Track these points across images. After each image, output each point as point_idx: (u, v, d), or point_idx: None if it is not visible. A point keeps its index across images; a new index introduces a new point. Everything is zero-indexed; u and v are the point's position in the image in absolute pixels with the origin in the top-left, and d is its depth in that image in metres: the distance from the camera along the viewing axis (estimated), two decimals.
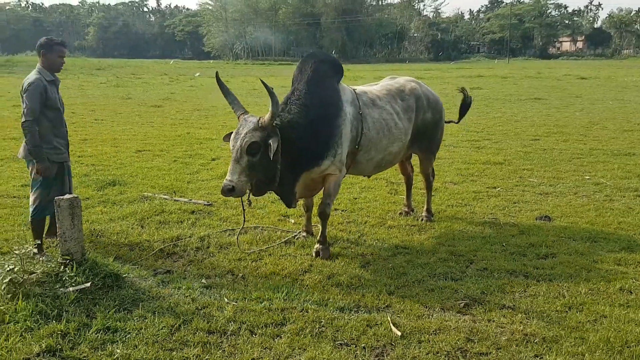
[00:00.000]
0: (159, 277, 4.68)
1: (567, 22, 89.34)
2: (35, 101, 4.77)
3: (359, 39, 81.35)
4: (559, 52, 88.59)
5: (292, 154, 4.75)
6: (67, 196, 4.18)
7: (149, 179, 8.21)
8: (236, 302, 4.22)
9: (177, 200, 7.00)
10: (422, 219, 6.23)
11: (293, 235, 5.77)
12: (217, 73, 4.99)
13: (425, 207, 6.38)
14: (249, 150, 4.53)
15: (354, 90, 5.38)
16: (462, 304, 4.18)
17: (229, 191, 4.50)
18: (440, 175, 8.39)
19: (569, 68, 42.67)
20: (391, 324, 3.88)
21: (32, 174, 4.98)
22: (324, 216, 5.18)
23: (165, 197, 7.16)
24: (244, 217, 5.47)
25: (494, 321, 3.97)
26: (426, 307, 4.15)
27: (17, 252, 4.06)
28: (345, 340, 3.72)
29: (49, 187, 4.99)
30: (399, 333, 3.76)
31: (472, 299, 4.28)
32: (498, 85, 26.72)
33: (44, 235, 5.14)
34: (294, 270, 4.86)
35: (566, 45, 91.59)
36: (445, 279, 4.67)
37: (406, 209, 6.52)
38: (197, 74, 37.43)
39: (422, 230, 5.94)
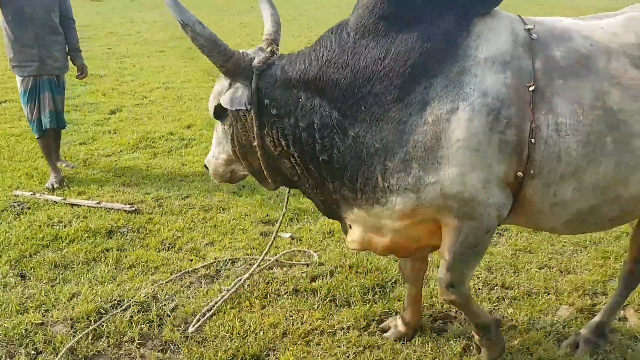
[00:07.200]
0: None
1: None
2: None
3: None
4: None
5: (288, 147, 2.43)
6: None
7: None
8: None
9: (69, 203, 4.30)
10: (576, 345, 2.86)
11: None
12: None
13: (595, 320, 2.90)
14: (214, 114, 2.61)
15: (527, 29, 2.32)
16: None
17: (205, 167, 2.83)
18: None
19: None
20: None
21: None
22: (452, 304, 2.59)
23: (54, 198, 4.33)
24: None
25: None
26: None
27: None
28: None
29: (25, 103, 4.75)
30: None
31: None
32: None
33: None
34: None
35: None
36: None
37: None
38: None
39: None
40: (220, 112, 2.54)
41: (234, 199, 4.39)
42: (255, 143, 2.45)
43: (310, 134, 2.35)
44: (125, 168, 4.97)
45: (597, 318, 2.84)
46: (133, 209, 4.12)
